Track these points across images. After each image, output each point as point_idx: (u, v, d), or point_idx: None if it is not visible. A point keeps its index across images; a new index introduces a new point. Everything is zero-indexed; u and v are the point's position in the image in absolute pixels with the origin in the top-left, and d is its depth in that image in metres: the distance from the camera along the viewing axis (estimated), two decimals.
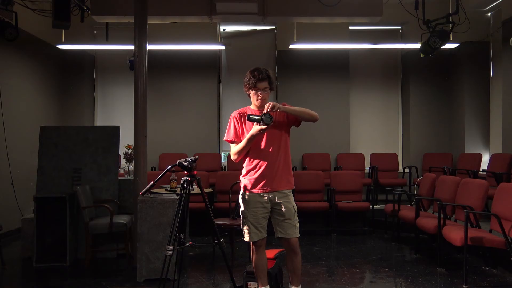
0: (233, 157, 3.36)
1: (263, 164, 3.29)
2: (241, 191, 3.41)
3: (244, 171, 3.39)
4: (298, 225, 3.37)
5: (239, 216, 3.48)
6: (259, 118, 3.10)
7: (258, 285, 3.45)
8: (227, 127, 3.40)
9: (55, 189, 5.30)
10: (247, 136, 3.24)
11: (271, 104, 3.12)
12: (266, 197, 3.31)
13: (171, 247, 3.36)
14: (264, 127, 3.10)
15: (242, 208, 3.39)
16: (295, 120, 3.34)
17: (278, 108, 3.13)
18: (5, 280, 4.81)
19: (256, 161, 3.31)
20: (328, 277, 4.68)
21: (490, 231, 4.54)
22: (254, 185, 3.32)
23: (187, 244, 3.59)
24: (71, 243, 5.06)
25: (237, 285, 3.71)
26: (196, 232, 6.32)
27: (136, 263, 4.44)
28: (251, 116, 3.15)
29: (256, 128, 3.15)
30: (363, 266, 5.12)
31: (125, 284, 4.39)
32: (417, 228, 5.38)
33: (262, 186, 3.30)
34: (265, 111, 3.11)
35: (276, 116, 3.23)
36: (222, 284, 4.38)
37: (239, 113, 3.38)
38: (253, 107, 3.39)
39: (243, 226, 3.39)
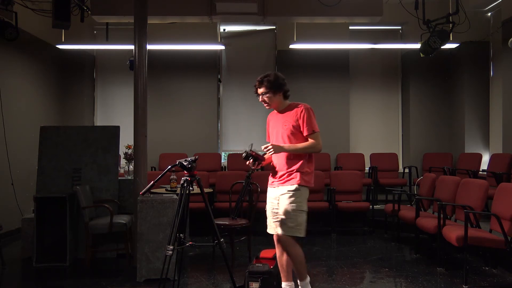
0: None
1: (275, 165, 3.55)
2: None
3: None
4: (291, 224, 3.37)
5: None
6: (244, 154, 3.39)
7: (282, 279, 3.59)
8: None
9: (55, 189, 5.30)
10: None
11: (268, 147, 3.34)
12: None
13: (171, 247, 3.37)
14: (252, 162, 3.40)
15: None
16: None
17: (272, 151, 3.34)
18: (5, 280, 4.80)
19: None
20: (328, 277, 4.67)
21: (490, 231, 4.54)
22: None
23: (187, 244, 3.60)
24: (71, 243, 5.06)
25: (237, 285, 3.71)
26: (196, 232, 6.32)
27: (136, 263, 4.44)
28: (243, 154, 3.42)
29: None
30: (363, 266, 5.12)
31: (125, 284, 4.39)
32: (417, 228, 5.38)
33: (272, 182, 3.55)
34: (263, 149, 3.35)
35: (286, 121, 3.52)
36: (222, 284, 4.38)
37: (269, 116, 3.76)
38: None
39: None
